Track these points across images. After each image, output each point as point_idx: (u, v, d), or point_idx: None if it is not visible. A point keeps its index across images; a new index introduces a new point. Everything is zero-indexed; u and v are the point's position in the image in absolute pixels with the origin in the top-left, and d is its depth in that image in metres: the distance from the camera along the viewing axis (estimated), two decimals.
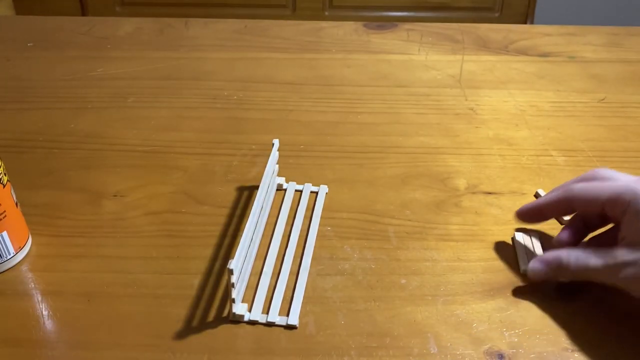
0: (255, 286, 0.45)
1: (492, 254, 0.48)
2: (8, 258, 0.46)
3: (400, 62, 0.77)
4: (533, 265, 0.44)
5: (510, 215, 0.52)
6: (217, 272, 0.46)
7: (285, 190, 0.55)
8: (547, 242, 0.48)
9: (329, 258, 0.48)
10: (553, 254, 0.44)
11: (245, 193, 0.54)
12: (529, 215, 0.48)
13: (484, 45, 0.81)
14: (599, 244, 0.45)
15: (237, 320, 0.42)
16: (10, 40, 0.81)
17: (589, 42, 0.82)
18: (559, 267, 0.43)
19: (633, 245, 0.40)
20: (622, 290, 0.41)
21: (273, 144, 0.51)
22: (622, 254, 0.40)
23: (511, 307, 0.43)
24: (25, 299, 0.44)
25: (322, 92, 0.70)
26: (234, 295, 0.40)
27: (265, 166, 0.49)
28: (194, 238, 0.49)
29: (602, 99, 0.69)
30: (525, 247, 0.48)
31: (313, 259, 0.47)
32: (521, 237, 0.49)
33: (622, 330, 0.42)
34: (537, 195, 0.52)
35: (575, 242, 0.45)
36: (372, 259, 0.47)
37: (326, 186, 0.55)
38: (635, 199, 0.40)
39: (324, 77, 0.74)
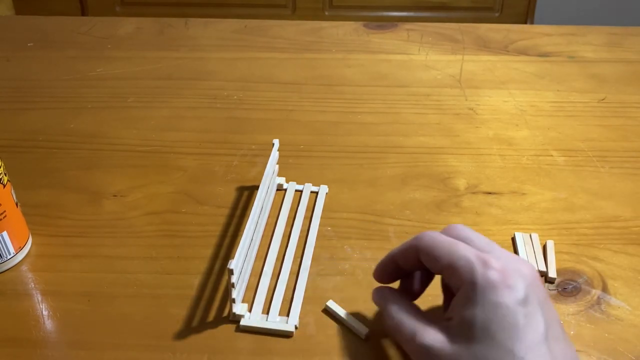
0: (255, 286, 0.45)
1: None
2: (8, 258, 0.46)
3: (400, 62, 0.77)
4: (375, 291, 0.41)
5: (510, 216, 0.52)
6: (217, 272, 0.46)
7: (285, 190, 0.55)
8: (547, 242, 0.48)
9: (329, 258, 0.48)
10: (382, 293, 0.40)
11: (245, 193, 0.54)
12: (383, 269, 0.41)
13: (484, 45, 0.81)
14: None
15: (237, 320, 0.42)
16: (10, 40, 0.81)
17: (589, 42, 0.82)
18: (380, 308, 0.40)
19: (454, 336, 0.33)
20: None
21: (273, 144, 0.51)
22: (437, 340, 0.34)
23: None
24: (25, 299, 0.44)
25: (322, 92, 0.70)
26: (234, 295, 0.40)
27: (265, 166, 0.49)
28: (194, 238, 0.49)
29: (602, 99, 0.69)
30: (525, 247, 0.48)
31: (313, 259, 0.47)
32: (521, 237, 0.49)
33: (622, 330, 0.42)
34: (324, 310, 0.44)
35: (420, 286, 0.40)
36: (372, 259, 0.47)
37: (326, 186, 0.55)
38: (472, 281, 0.33)
39: (324, 77, 0.74)
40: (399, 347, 0.40)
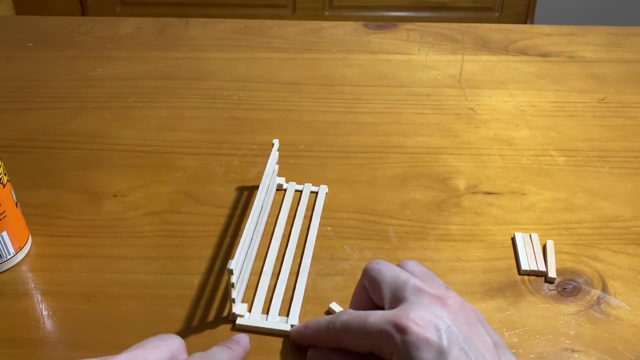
0: (255, 286, 0.45)
1: (492, 254, 0.48)
2: (8, 258, 0.46)
3: (400, 62, 0.77)
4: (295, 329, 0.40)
5: (510, 216, 0.52)
6: (217, 272, 0.46)
7: (285, 190, 0.55)
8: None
9: (329, 258, 0.48)
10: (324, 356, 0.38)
11: (245, 193, 0.54)
12: (301, 341, 0.40)
13: (484, 45, 0.81)
14: None
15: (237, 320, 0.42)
16: (10, 40, 0.81)
17: (589, 42, 0.82)
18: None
19: None
20: None
21: (273, 144, 0.51)
22: None
23: (511, 307, 0.43)
24: (25, 299, 0.44)
25: (322, 92, 0.70)
26: (233, 295, 0.40)
27: (265, 166, 0.49)
28: (194, 238, 0.49)
29: (602, 99, 0.69)
30: (525, 247, 0.48)
31: (313, 259, 0.47)
32: (521, 237, 0.49)
33: (622, 330, 0.42)
34: (328, 312, 0.43)
35: None
36: (372, 259, 0.47)
37: (326, 186, 0.55)
38: (397, 351, 0.33)
39: (324, 77, 0.74)
40: None
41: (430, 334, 0.33)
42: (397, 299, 0.36)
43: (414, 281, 0.36)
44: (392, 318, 0.34)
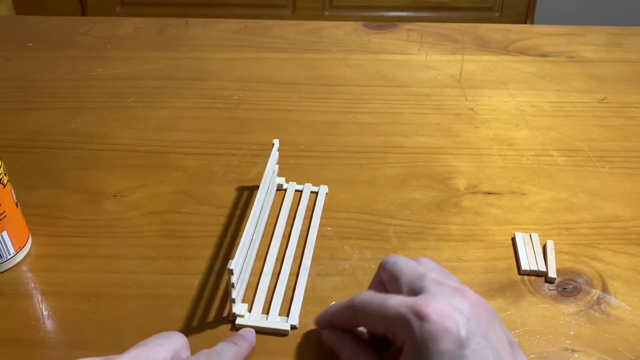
0: (255, 286, 0.45)
1: (492, 254, 0.48)
2: (8, 258, 0.46)
3: (400, 62, 0.77)
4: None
5: (510, 216, 0.52)
6: (217, 272, 0.46)
7: (285, 190, 0.55)
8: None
9: (329, 258, 0.48)
10: (335, 336, 0.39)
11: (245, 193, 0.54)
12: (323, 325, 0.40)
13: (484, 45, 0.81)
14: None
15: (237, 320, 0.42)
16: (10, 40, 0.81)
17: (589, 42, 0.82)
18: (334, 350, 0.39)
19: None
20: None
21: (273, 144, 0.51)
22: None
23: (511, 307, 0.43)
24: (26, 299, 0.44)
25: (322, 92, 0.70)
26: (234, 295, 0.40)
27: (265, 166, 0.49)
28: (194, 238, 0.49)
29: (602, 99, 0.69)
30: (525, 247, 0.48)
31: (313, 259, 0.47)
32: (521, 237, 0.49)
33: (622, 330, 0.42)
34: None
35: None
36: (372, 259, 0.47)
37: (326, 186, 0.55)
38: (412, 338, 0.33)
39: (324, 77, 0.74)
40: None
41: (450, 325, 0.32)
42: (416, 290, 0.36)
43: (432, 273, 0.36)
44: (413, 304, 0.33)
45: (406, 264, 0.38)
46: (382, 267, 0.39)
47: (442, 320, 0.32)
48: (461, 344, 0.32)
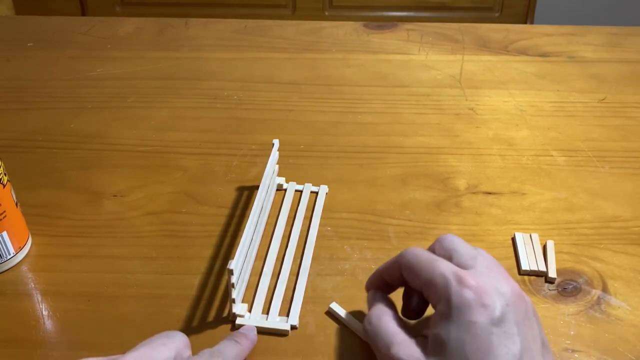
0: (255, 286, 0.45)
1: (492, 254, 0.48)
2: (8, 258, 0.46)
3: (400, 62, 0.77)
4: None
5: (510, 216, 0.52)
6: (217, 272, 0.46)
7: (285, 190, 0.55)
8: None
9: (329, 258, 0.48)
10: (372, 296, 0.40)
11: (245, 193, 0.54)
12: (373, 285, 0.41)
13: (484, 45, 0.81)
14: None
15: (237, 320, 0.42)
16: (10, 40, 0.81)
17: (589, 42, 0.82)
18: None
19: (429, 353, 0.33)
20: None
21: (273, 144, 0.51)
22: (412, 355, 0.33)
23: None
24: (25, 299, 0.44)
25: (322, 92, 0.70)
26: (234, 295, 0.40)
27: (265, 166, 0.49)
28: (194, 238, 0.49)
29: (602, 99, 0.69)
30: (525, 247, 0.48)
31: (313, 259, 0.47)
32: (521, 237, 0.49)
33: (622, 330, 0.42)
34: (328, 312, 0.44)
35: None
36: (372, 259, 0.47)
37: (326, 186, 0.55)
38: (448, 299, 0.33)
39: (324, 77, 0.74)
40: None
41: (488, 302, 0.32)
42: (465, 267, 0.36)
43: (484, 258, 0.37)
44: (459, 272, 0.34)
45: (463, 243, 0.38)
46: (439, 240, 0.39)
47: (481, 296, 0.33)
48: (493, 321, 0.32)
